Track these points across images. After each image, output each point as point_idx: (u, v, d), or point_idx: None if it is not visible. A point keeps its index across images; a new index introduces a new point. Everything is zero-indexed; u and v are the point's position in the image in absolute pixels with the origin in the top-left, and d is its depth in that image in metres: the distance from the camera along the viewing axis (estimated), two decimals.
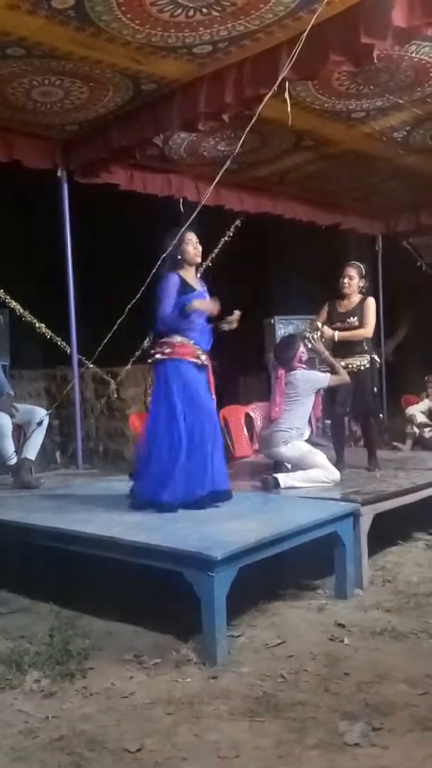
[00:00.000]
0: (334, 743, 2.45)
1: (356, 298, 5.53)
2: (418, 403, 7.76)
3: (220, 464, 4.34)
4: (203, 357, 4.41)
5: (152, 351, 4.46)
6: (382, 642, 3.34)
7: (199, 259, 4.55)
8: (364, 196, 8.65)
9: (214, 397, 4.45)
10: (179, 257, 4.40)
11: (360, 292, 5.55)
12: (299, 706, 2.73)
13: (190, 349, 4.35)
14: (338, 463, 5.31)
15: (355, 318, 5.45)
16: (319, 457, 5.00)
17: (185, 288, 4.36)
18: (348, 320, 5.44)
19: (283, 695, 2.82)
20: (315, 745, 2.44)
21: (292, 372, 5.16)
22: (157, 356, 4.35)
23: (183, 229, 4.38)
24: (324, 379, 5.25)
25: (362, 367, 5.44)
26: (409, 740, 2.46)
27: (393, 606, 3.81)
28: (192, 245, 4.44)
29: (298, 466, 4.99)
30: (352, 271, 5.48)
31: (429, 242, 10.24)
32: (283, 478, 4.83)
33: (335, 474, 4.93)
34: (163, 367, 4.34)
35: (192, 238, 4.45)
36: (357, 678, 2.95)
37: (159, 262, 4.37)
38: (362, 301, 5.52)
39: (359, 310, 5.48)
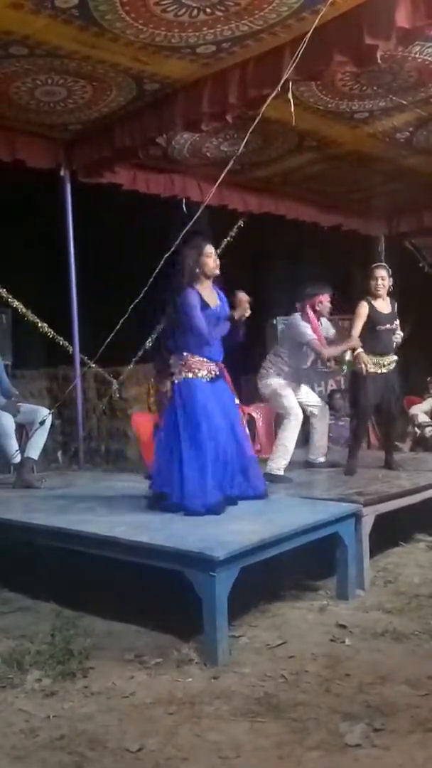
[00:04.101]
0: (335, 744, 2.45)
1: (388, 299, 5.54)
2: (420, 403, 7.76)
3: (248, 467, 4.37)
4: (216, 369, 4.36)
5: (170, 371, 4.45)
6: (383, 643, 3.34)
7: (217, 272, 4.40)
8: (366, 197, 8.65)
9: (237, 399, 4.46)
10: (197, 270, 4.30)
11: (388, 293, 5.56)
12: (300, 706, 2.72)
13: (199, 364, 4.30)
14: (351, 461, 5.37)
15: (397, 321, 5.50)
16: (285, 400, 5.40)
17: (203, 305, 4.27)
18: (395, 322, 5.47)
19: (284, 696, 2.82)
20: (316, 745, 2.44)
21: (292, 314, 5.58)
22: (174, 378, 4.32)
23: (190, 241, 4.30)
24: (305, 335, 5.41)
25: (393, 366, 5.48)
26: (410, 741, 2.46)
27: (394, 607, 3.80)
28: (212, 259, 4.34)
29: (271, 404, 5.59)
30: (384, 273, 5.48)
31: (431, 243, 10.24)
32: (268, 468, 5.19)
33: (299, 415, 5.36)
34: (178, 387, 4.30)
35: (212, 250, 4.37)
36: (358, 679, 2.95)
37: (176, 273, 4.28)
38: (394, 305, 5.57)
39: (396, 312, 5.53)
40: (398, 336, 5.49)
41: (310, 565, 4.16)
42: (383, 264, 5.68)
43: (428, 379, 8.09)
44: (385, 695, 2.80)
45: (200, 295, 4.29)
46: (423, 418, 7.44)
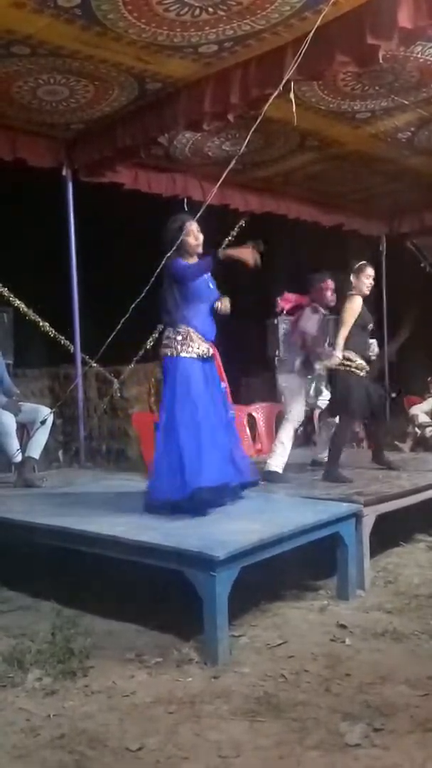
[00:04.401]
0: (335, 744, 2.45)
1: None
2: (421, 403, 7.76)
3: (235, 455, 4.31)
4: (208, 349, 4.30)
5: (161, 344, 4.40)
6: (383, 643, 3.34)
7: (200, 250, 4.35)
8: (368, 197, 8.65)
9: (225, 384, 4.38)
10: (182, 244, 4.25)
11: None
12: (300, 706, 2.73)
13: (194, 341, 4.23)
14: (334, 468, 5.11)
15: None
16: (291, 402, 5.46)
17: None
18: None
19: (285, 695, 2.82)
20: (316, 745, 2.44)
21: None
22: (166, 352, 4.24)
23: (182, 219, 4.28)
24: (311, 327, 5.49)
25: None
26: (410, 741, 2.46)
27: (394, 607, 3.81)
28: (193, 236, 4.29)
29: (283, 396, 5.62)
30: (372, 272, 5.41)
31: None
32: (267, 465, 5.24)
33: (296, 420, 5.46)
34: (169, 365, 4.24)
35: (193, 227, 4.31)
36: (358, 679, 2.95)
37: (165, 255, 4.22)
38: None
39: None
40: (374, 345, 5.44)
41: (310, 564, 4.16)
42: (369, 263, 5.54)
43: (429, 379, 8.09)
44: (385, 695, 2.80)
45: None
46: (423, 418, 7.44)
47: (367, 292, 5.36)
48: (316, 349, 5.49)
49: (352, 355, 5.14)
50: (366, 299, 5.42)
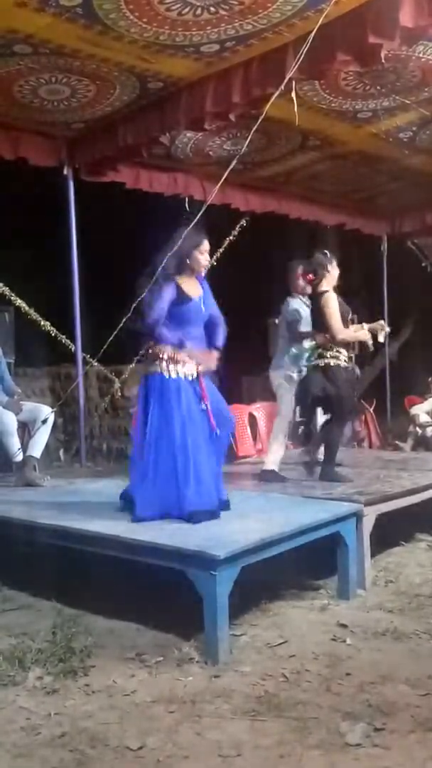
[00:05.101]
0: (335, 743, 2.45)
1: None
2: (421, 403, 7.77)
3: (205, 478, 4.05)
4: (195, 370, 4.14)
5: (143, 359, 4.27)
6: (384, 643, 3.34)
7: (204, 270, 4.28)
8: (369, 197, 8.65)
9: (206, 404, 4.13)
10: (187, 261, 4.14)
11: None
12: (301, 705, 2.73)
13: (180, 362, 4.09)
14: (330, 467, 5.08)
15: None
16: (282, 398, 5.47)
17: (181, 297, 4.11)
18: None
19: (285, 695, 2.82)
20: (316, 745, 2.45)
21: None
22: (152, 370, 4.11)
23: (190, 232, 4.12)
24: (291, 314, 5.53)
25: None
26: (410, 741, 2.46)
27: (395, 607, 3.81)
28: (205, 256, 4.22)
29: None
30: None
31: None
32: (266, 463, 5.32)
33: (287, 417, 5.43)
34: (147, 381, 4.14)
35: (207, 248, 4.22)
36: (359, 678, 2.95)
37: (164, 262, 4.08)
38: None
39: None
40: None
41: (311, 564, 4.16)
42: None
43: (429, 379, 8.10)
44: (385, 695, 2.80)
45: (179, 288, 4.12)
46: (424, 418, 7.44)
47: (337, 283, 5.23)
48: (302, 333, 5.44)
49: (334, 350, 5.03)
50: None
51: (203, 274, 4.29)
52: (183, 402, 4.04)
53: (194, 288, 4.21)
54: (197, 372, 4.15)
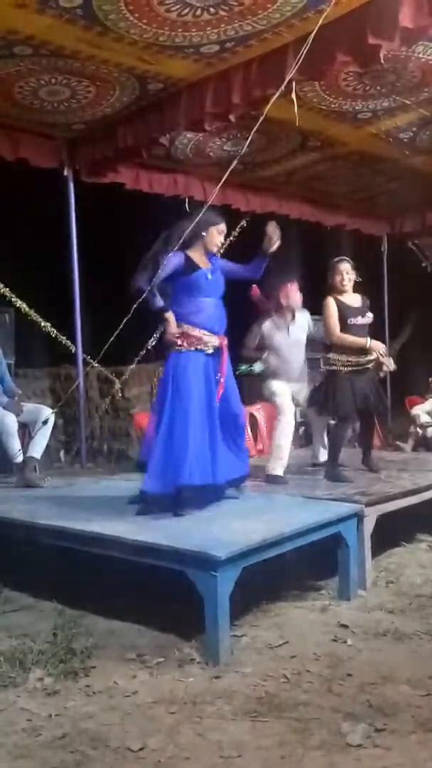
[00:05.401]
0: (336, 744, 2.45)
1: (356, 293, 5.40)
2: (422, 403, 7.76)
3: (223, 454, 4.24)
4: (214, 342, 4.26)
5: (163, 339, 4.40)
6: (385, 643, 3.34)
7: (216, 250, 4.42)
8: (369, 197, 8.65)
9: (221, 384, 4.27)
10: (202, 235, 4.26)
11: (355, 288, 5.44)
12: (302, 706, 2.73)
13: (197, 336, 4.21)
14: (332, 468, 5.17)
15: (370, 314, 5.36)
16: (277, 399, 5.42)
17: (191, 267, 4.21)
18: (367, 315, 5.33)
19: (286, 695, 2.82)
20: (318, 745, 2.45)
21: None
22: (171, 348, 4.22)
23: (211, 211, 4.31)
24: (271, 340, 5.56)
25: (371, 365, 5.34)
26: (411, 741, 2.46)
27: (396, 607, 3.81)
28: (220, 238, 4.35)
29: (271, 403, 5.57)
30: (348, 266, 5.34)
31: None
32: (267, 469, 5.23)
33: (288, 414, 5.35)
34: (167, 360, 4.24)
35: (224, 229, 4.37)
36: (360, 679, 2.95)
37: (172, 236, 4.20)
38: (366, 299, 5.44)
39: (368, 307, 5.40)
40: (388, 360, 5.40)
41: (312, 564, 4.16)
42: (346, 258, 5.47)
43: (429, 379, 8.09)
44: (386, 695, 2.80)
45: (189, 258, 4.23)
46: (425, 418, 7.44)
47: (344, 288, 5.30)
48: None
49: (333, 354, 5.19)
50: (367, 299, 5.41)
51: (215, 253, 4.39)
52: (190, 377, 4.13)
53: (203, 261, 4.32)
54: (217, 346, 4.26)
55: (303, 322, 5.74)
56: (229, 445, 4.38)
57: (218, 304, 4.35)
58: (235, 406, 4.48)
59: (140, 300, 4.11)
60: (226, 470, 4.27)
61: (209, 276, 4.29)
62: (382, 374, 5.55)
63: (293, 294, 5.64)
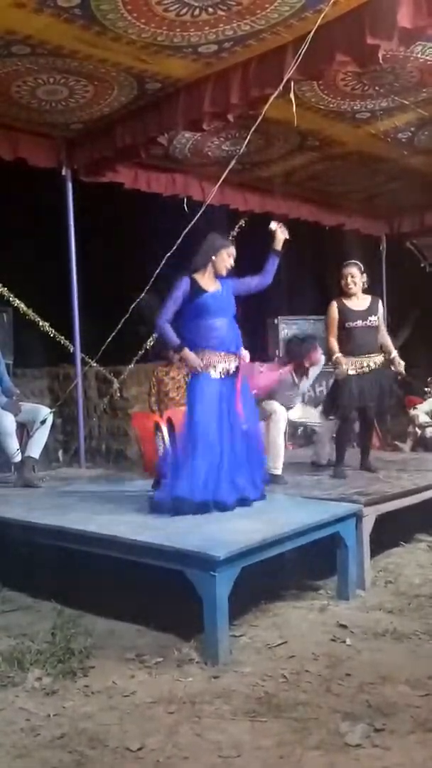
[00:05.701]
0: (335, 744, 2.45)
1: (365, 296, 5.45)
2: (421, 403, 7.76)
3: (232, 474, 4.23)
4: (231, 365, 4.28)
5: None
6: (384, 643, 3.34)
7: (224, 273, 4.37)
8: (368, 197, 8.65)
9: (239, 408, 4.30)
10: (213, 258, 4.29)
11: (363, 290, 5.50)
12: (301, 706, 2.73)
13: (213, 358, 4.24)
14: (338, 466, 5.34)
15: (375, 317, 5.39)
16: (267, 406, 5.36)
17: (196, 291, 4.23)
18: (370, 318, 5.34)
19: (285, 695, 2.82)
20: (316, 745, 2.44)
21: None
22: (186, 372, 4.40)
23: (220, 235, 4.40)
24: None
25: (381, 365, 5.37)
26: (410, 741, 2.46)
27: (395, 607, 3.81)
28: (229, 262, 4.35)
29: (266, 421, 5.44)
30: (354, 270, 5.40)
31: None
32: (269, 468, 5.13)
33: (279, 413, 5.36)
34: (188, 383, 4.41)
35: (233, 253, 4.38)
36: (359, 679, 2.95)
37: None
38: (376, 301, 5.48)
39: (376, 309, 5.42)
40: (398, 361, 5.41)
41: (311, 564, 4.16)
42: (354, 261, 5.52)
43: (429, 379, 8.09)
44: (385, 695, 2.80)
45: (195, 282, 4.25)
46: (424, 418, 7.43)
47: (350, 291, 5.37)
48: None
49: (339, 357, 5.23)
50: (357, 295, 5.42)
51: (224, 276, 4.38)
52: (205, 399, 4.18)
53: (211, 283, 4.33)
54: (232, 369, 4.30)
55: (313, 374, 5.88)
56: (242, 467, 4.33)
57: (231, 324, 4.35)
58: (251, 426, 4.48)
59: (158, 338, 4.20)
60: (234, 491, 4.22)
61: (217, 296, 4.29)
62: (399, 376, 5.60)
63: (316, 356, 5.73)
